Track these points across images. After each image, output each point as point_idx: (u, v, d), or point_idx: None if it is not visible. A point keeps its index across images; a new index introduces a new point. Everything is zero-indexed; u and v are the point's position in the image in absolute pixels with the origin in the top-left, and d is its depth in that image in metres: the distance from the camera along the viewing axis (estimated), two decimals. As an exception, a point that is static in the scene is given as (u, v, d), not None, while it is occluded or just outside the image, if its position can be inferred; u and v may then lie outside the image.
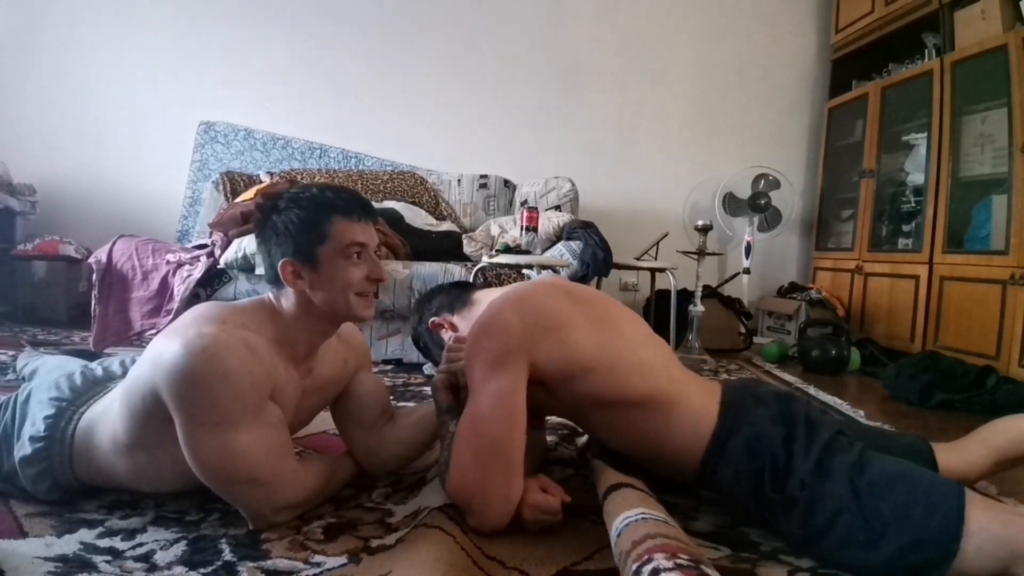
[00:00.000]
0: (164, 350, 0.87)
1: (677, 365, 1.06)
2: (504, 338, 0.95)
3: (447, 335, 1.16)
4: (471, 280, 2.27)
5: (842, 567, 0.87)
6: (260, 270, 2.22)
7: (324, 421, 1.26)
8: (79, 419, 0.99)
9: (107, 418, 0.97)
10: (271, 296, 1.02)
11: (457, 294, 1.20)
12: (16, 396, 1.08)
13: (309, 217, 0.97)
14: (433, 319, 1.18)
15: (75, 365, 1.24)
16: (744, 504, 0.97)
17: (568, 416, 1.12)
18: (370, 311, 1.03)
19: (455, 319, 1.17)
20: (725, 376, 2.46)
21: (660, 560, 0.68)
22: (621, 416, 1.00)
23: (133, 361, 1.15)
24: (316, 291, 0.98)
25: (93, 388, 1.06)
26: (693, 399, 1.00)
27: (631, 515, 0.82)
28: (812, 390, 2.28)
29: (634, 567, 0.70)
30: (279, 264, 0.97)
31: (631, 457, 1.07)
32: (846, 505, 0.84)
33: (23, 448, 0.98)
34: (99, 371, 1.13)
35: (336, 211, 0.97)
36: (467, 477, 0.92)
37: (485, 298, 1.14)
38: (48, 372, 1.31)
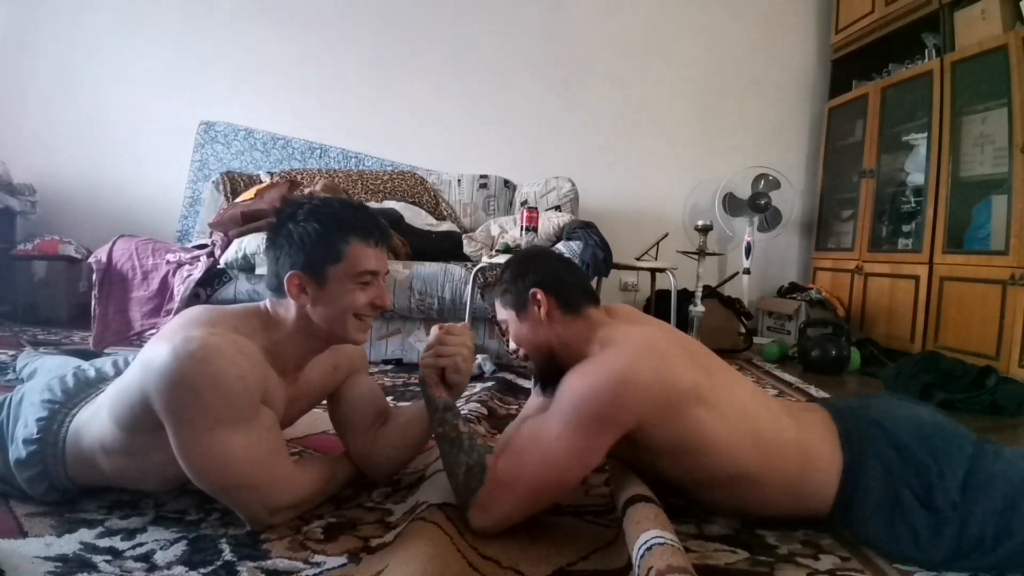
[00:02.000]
0: (153, 356, 0.86)
1: (793, 421, 1.01)
2: (620, 399, 0.89)
3: (535, 313, 1.05)
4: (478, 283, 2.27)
5: (974, 567, 0.89)
6: (260, 271, 2.23)
7: (324, 421, 1.26)
8: (71, 421, 0.98)
9: (95, 420, 0.96)
10: (268, 304, 1.00)
11: (577, 294, 1.07)
12: (11, 397, 1.07)
13: (326, 234, 0.94)
14: (539, 291, 1.05)
15: (71, 366, 1.23)
16: (876, 535, 0.95)
17: (670, 482, 1.04)
18: (365, 335, 1.02)
19: (557, 314, 1.05)
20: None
21: None
22: (730, 492, 0.99)
23: (127, 362, 1.14)
24: (317, 307, 0.96)
25: (85, 390, 1.05)
26: (816, 462, 0.97)
27: (652, 537, 0.80)
28: (813, 390, 2.28)
29: None
30: (286, 276, 0.94)
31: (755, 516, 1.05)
32: (997, 514, 0.87)
33: (17, 450, 0.97)
34: (91, 372, 1.11)
35: (354, 233, 0.95)
36: (514, 500, 0.92)
37: (595, 318, 1.05)
38: (46, 373, 1.31)
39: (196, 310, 0.97)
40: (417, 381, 1.10)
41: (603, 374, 0.91)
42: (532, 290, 1.05)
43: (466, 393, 1.87)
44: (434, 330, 1.09)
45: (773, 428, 0.99)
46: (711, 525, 1.05)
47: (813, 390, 2.28)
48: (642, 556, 0.78)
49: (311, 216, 0.95)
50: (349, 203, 1.00)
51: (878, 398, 1.08)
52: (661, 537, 0.80)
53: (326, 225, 0.94)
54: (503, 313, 1.11)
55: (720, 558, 0.94)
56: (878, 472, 0.93)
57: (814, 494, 0.97)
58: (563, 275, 1.09)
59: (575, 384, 0.92)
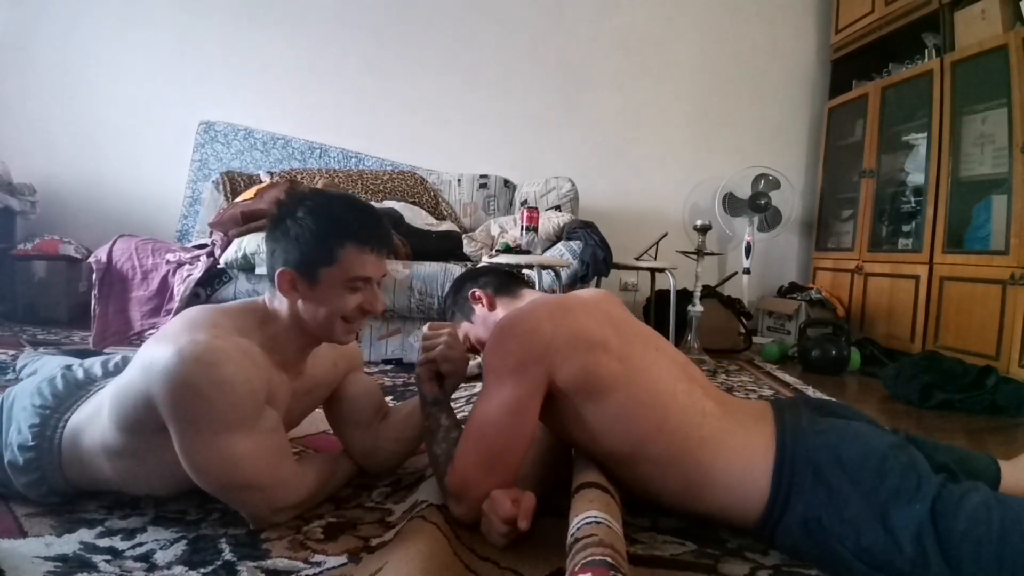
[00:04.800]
0: (157, 357, 0.85)
1: (718, 417, 0.97)
2: (530, 344, 0.94)
3: (480, 309, 1.16)
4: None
5: None
6: (260, 270, 2.23)
7: (324, 421, 1.26)
8: (64, 426, 0.97)
9: (94, 423, 0.95)
10: (266, 298, 1.01)
11: (507, 280, 1.21)
12: (2, 400, 1.06)
13: (322, 234, 0.93)
14: (475, 290, 1.17)
15: (60, 367, 1.22)
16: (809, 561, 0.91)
17: (593, 457, 1.04)
18: (350, 338, 1.02)
19: (497, 300, 1.16)
20: (762, 393, 2.43)
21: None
22: (640, 471, 0.97)
23: (116, 365, 1.13)
24: (307, 305, 0.96)
25: (75, 393, 1.03)
26: (732, 460, 0.93)
27: (587, 516, 0.83)
28: (811, 390, 2.28)
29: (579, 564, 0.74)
30: (277, 271, 0.95)
31: (678, 512, 1.03)
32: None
33: (13, 456, 0.97)
34: (80, 373, 1.10)
35: (351, 238, 0.94)
36: (468, 475, 0.92)
37: (528, 297, 1.15)
38: (44, 376, 1.30)
39: (196, 311, 0.97)
40: (415, 382, 1.11)
41: (505, 329, 0.97)
42: (468, 292, 1.18)
43: (464, 394, 1.87)
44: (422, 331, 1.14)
45: (685, 421, 0.95)
46: (668, 519, 1.06)
47: (811, 391, 2.28)
48: (573, 532, 0.81)
49: (310, 214, 0.94)
50: (353, 203, 0.99)
51: (836, 425, 0.96)
52: (595, 516, 0.82)
53: (323, 226, 0.94)
54: (463, 329, 1.18)
55: (667, 549, 0.95)
56: (797, 518, 0.87)
57: (732, 501, 0.93)
58: (489, 272, 1.23)
59: (487, 348, 0.98)
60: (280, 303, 0.98)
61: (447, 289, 1.25)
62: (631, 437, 0.95)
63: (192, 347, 0.84)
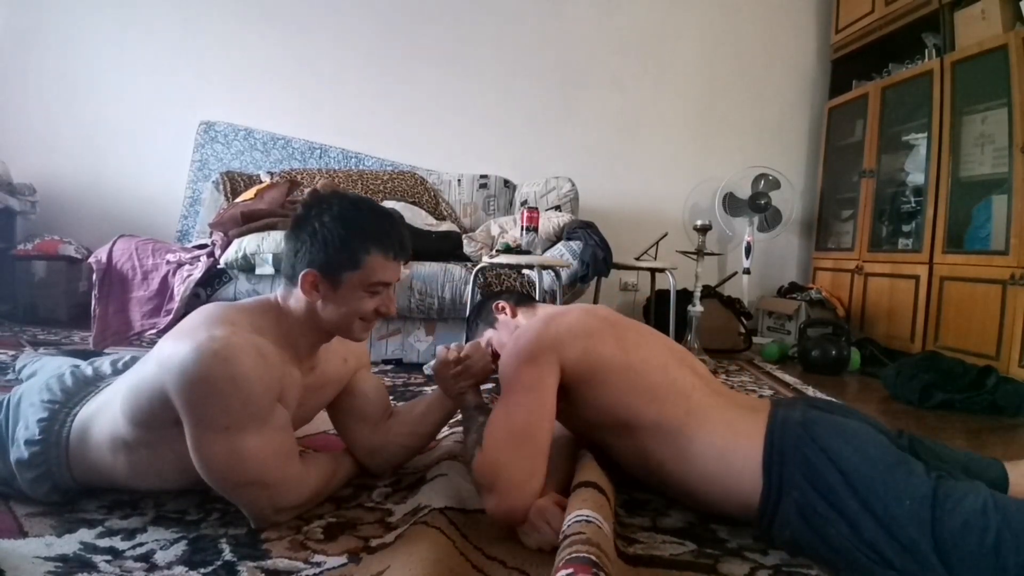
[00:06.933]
0: (174, 352, 0.86)
1: (707, 394, 1.04)
2: (538, 341, 1.05)
3: (503, 317, 1.29)
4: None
5: None
6: (260, 271, 2.23)
7: (324, 421, 1.27)
8: (72, 420, 0.99)
9: (104, 416, 0.96)
10: (279, 295, 1.02)
11: (524, 296, 1.40)
12: (8, 399, 1.07)
13: (349, 239, 0.96)
14: (500, 302, 1.31)
15: (69, 366, 1.23)
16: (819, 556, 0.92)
17: (598, 441, 1.14)
18: (366, 335, 1.06)
19: (518, 310, 1.30)
20: (756, 391, 2.44)
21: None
22: (635, 441, 1.04)
23: (124, 364, 1.14)
24: (327, 305, 0.98)
25: (84, 388, 1.05)
26: (714, 433, 0.97)
27: (580, 515, 0.85)
28: (811, 390, 2.28)
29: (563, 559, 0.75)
30: (302, 272, 0.96)
31: (671, 488, 1.07)
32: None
33: (19, 452, 0.97)
34: (89, 371, 1.12)
35: (376, 244, 0.97)
36: (498, 456, 0.95)
37: (543, 311, 1.28)
38: (46, 375, 1.31)
39: (213, 308, 0.98)
40: (416, 382, 1.13)
41: (514, 339, 1.09)
42: (492, 304, 1.31)
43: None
44: (445, 351, 1.19)
45: (679, 390, 1.03)
46: (666, 518, 1.07)
47: (811, 391, 2.28)
48: (564, 530, 0.83)
49: (338, 219, 0.96)
50: (378, 210, 1.02)
51: (828, 420, 0.97)
52: (587, 515, 0.84)
53: (352, 232, 0.96)
54: (485, 338, 1.30)
55: (666, 549, 0.96)
56: (793, 507, 0.89)
57: (721, 483, 0.96)
58: (507, 291, 1.39)
59: (501, 363, 1.08)
60: (296, 301, 1.00)
61: (469, 316, 1.43)
62: (627, 404, 1.03)
63: (210, 342, 0.85)
